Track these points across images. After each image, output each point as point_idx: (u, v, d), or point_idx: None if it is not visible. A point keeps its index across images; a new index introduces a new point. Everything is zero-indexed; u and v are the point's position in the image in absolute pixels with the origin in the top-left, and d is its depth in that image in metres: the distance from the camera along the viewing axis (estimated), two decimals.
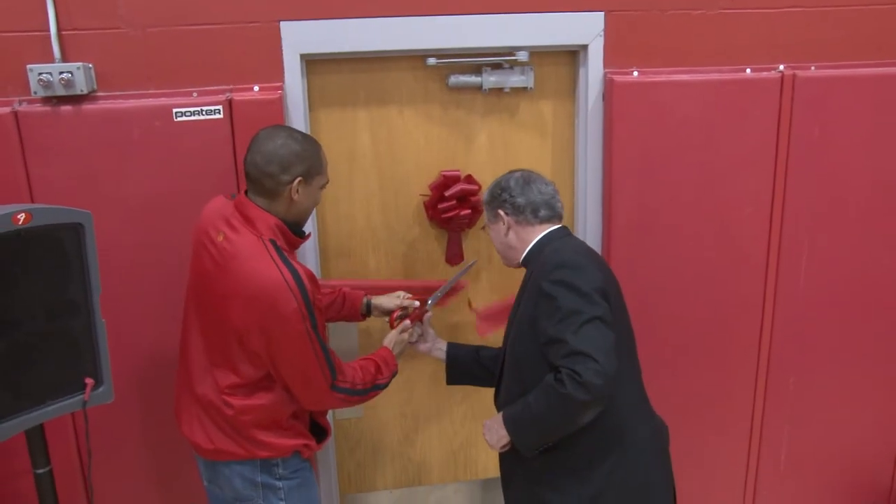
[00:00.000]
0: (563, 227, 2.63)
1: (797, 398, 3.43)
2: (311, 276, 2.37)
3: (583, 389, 2.14)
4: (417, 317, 2.94)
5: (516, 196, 2.58)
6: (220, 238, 2.36)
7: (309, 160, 2.41)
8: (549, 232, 2.58)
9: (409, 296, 2.96)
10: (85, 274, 2.18)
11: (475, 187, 3.14)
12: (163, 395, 2.87)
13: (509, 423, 2.42)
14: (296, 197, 2.40)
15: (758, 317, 3.32)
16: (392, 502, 3.61)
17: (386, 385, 2.69)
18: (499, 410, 2.57)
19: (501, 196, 2.61)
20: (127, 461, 3.04)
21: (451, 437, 3.51)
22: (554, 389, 2.20)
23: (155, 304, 2.87)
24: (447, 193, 3.11)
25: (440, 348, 3.02)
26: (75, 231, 2.14)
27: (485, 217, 2.72)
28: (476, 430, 3.49)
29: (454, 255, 3.25)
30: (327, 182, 2.52)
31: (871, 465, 3.66)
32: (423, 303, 2.97)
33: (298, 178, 2.37)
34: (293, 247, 2.47)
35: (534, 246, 2.58)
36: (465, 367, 3.00)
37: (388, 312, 2.94)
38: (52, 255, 2.12)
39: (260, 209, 2.38)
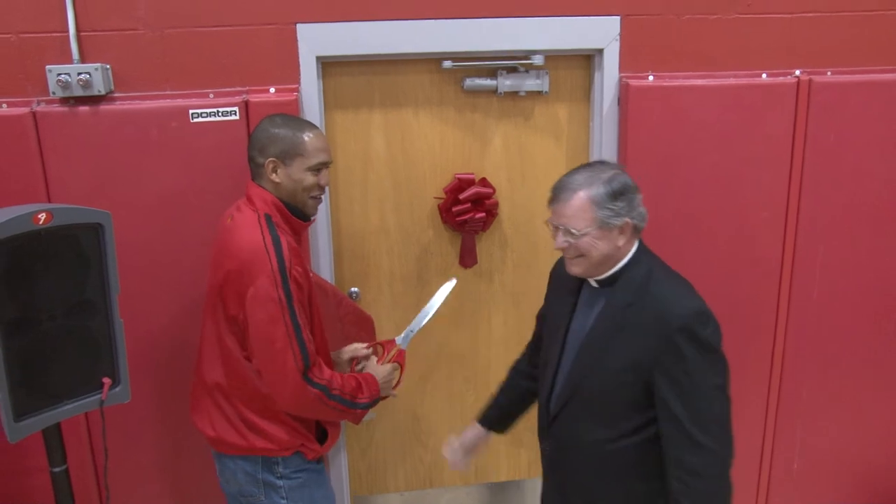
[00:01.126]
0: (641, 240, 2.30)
1: (811, 401, 3.42)
2: (295, 251, 2.40)
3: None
4: (398, 359, 2.80)
5: (639, 200, 2.22)
6: (229, 221, 2.45)
7: (284, 142, 2.46)
8: (639, 245, 2.27)
9: (364, 345, 2.84)
10: (104, 274, 2.20)
11: (490, 190, 3.14)
12: (179, 394, 2.89)
13: None
14: (274, 178, 2.46)
15: (772, 319, 3.31)
16: None
17: (365, 407, 2.58)
18: (551, 441, 2.36)
19: (628, 195, 2.18)
20: (141, 461, 3.06)
21: None
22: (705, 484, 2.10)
23: (172, 303, 2.90)
24: (461, 196, 3.12)
25: (477, 437, 2.74)
26: (95, 231, 2.17)
27: (589, 216, 2.16)
28: None
29: (468, 258, 3.25)
30: (320, 164, 2.49)
31: (884, 469, 3.65)
32: (392, 342, 2.84)
33: (272, 159, 2.44)
34: (294, 228, 2.51)
35: (628, 261, 2.24)
36: (508, 419, 2.74)
37: (345, 365, 2.84)
38: (71, 254, 2.14)
39: (258, 187, 2.46)
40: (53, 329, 2.14)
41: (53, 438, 2.29)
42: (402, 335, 2.84)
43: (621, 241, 2.19)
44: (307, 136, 2.48)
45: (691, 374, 2.07)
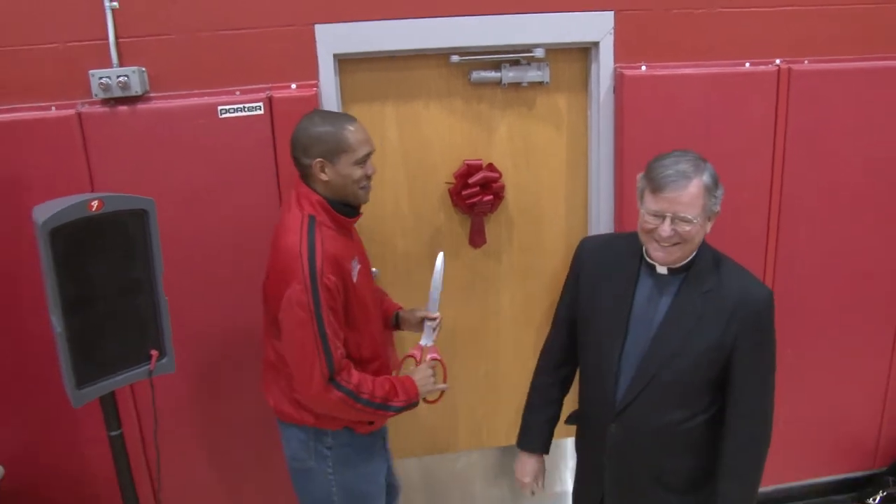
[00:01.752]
0: None
1: (793, 369, 3.64)
2: (331, 258, 2.47)
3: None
4: (433, 356, 2.91)
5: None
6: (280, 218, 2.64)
7: (327, 141, 2.52)
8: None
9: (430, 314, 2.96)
10: (149, 255, 2.44)
11: (496, 174, 3.37)
12: (215, 367, 3.18)
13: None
14: (323, 177, 2.54)
15: None
16: (421, 468, 3.87)
17: (399, 410, 2.65)
18: (620, 428, 2.42)
19: (720, 184, 2.28)
20: (186, 431, 3.30)
21: (476, 406, 3.76)
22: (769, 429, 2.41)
23: (207, 287, 3.12)
24: (470, 181, 3.34)
25: (541, 463, 2.79)
26: (140, 216, 2.40)
27: (701, 202, 2.22)
28: (495, 399, 3.74)
29: (478, 238, 3.49)
30: (365, 156, 2.57)
31: (860, 432, 3.93)
32: (419, 347, 2.94)
33: (318, 160, 2.52)
34: (341, 225, 2.60)
35: (701, 249, 2.34)
36: (553, 432, 2.79)
37: (414, 325, 2.99)
38: (120, 238, 2.37)
39: (306, 187, 2.57)
40: (106, 306, 2.38)
41: (109, 406, 2.55)
42: (424, 336, 2.95)
43: (709, 228, 2.29)
44: (348, 131, 2.54)
45: (767, 351, 2.35)
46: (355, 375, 2.55)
